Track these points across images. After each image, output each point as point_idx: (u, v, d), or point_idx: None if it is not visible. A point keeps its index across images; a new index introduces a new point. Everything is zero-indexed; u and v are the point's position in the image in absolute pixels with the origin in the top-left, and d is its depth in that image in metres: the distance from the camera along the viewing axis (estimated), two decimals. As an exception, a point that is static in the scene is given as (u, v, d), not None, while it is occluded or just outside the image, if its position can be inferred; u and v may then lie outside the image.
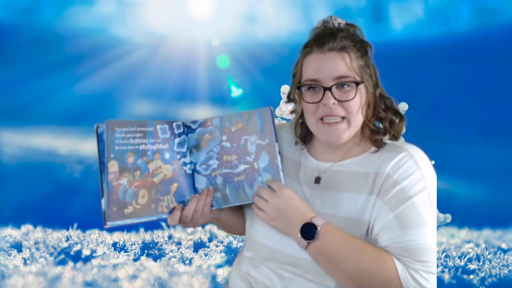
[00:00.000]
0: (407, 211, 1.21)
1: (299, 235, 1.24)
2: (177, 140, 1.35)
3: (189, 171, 1.35)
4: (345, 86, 1.27)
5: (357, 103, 1.27)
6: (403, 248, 1.20)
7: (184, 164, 1.35)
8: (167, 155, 1.32)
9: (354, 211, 1.25)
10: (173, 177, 1.32)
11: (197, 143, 1.37)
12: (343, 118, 1.28)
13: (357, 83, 1.27)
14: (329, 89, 1.27)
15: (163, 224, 3.38)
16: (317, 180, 1.34)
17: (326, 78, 1.27)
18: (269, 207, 1.28)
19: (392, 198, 1.22)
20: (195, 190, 1.34)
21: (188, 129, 1.38)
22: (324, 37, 1.29)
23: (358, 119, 1.29)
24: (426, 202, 1.22)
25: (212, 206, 1.34)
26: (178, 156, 1.34)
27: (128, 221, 1.25)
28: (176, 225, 1.32)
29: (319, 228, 1.23)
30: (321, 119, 1.29)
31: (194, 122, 1.39)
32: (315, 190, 1.33)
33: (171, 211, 1.31)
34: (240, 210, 1.47)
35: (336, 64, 1.27)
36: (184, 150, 1.36)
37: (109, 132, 1.27)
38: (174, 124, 1.36)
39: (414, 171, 1.23)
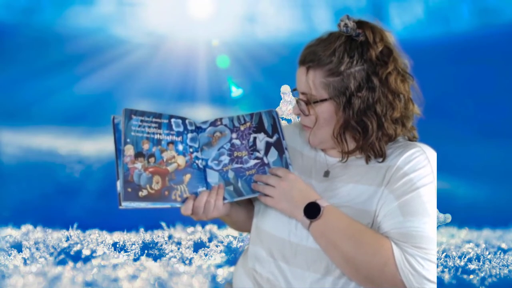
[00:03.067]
0: (411, 200, 1.23)
1: (303, 215, 1.27)
2: (189, 135, 1.39)
3: (201, 166, 1.38)
4: (304, 102, 1.32)
5: (312, 119, 1.32)
6: (403, 234, 1.22)
7: (197, 158, 1.38)
8: (180, 147, 1.35)
9: (361, 202, 1.28)
10: (186, 168, 1.34)
11: (208, 141, 1.41)
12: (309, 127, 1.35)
13: (306, 103, 1.31)
14: (297, 100, 1.34)
15: (163, 224, 3.38)
16: (326, 173, 1.37)
17: (298, 90, 1.35)
18: (276, 191, 1.31)
19: (399, 187, 1.24)
20: (207, 184, 1.36)
21: (198, 129, 1.42)
22: (302, 50, 1.34)
23: (323, 131, 1.33)
24: (431, 195, 1.25)
25: (225, 199, 1.35)
26: (191, 150, 1.37)
27: (142, 205, 1.26)
28: (189, 215, 1.32)
29: (322, 208, 1.26)
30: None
31: (204, 122, 1.44)
32: (324, 183, 1.35)
33: (184, 201, 1.32)
34: (249, 207, 1.49)
35: (299, 79, 1.33)
36: (196, 145, 1.39)
37: (126, 118, 1.30)
38: (187, 121, 1.40)
39: (424, 165, 1.26)
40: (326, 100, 1.29)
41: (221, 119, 1.44)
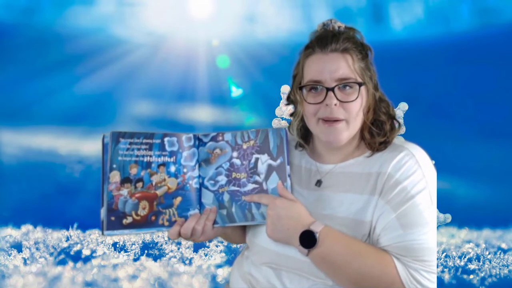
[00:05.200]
0: (408, 210, 1.21)
1: (299, 243, 1.23)
2: (185, 154, 1.33)
3: (195, 185, 1.33)
4: (347, 87, 1.28)
5: (358, 105, 1.28)
6: (404, 248, 1.20)
7: (191, 178, 1.33)
8: (172, 168, 1.32)
9: (355, 212, 1.25)
10: (177, 191, 1.31)
11: (207, 157, 1.35)
12: (343, 119, 1.29)
13: (360, 84, 1.28)
14: (332, 89, 1.27)
15: (163, 224, 3.37)
16: (318, 182, 1.34)
17: (329, 79, 1.27)
18: (268, 221, 1.27)
19: (394, 198, 1.22)
20: (201, 205, 1.33)
21: (199, 142, 1.36)
22: (327, 39, 1.30)
23: (357, 121, 1.30)
24: (427, 202, 1.23)
25: (216, 223, 1.32)
26: (185, 170, 1.33)
27: (126, 232, 1.25)
28: (176, 239, 1.31)
29: (317, 234, 1.21)
30: (322, 119, 1.30)
31: (205, 135, 1.37)
32: (316, 193, 1.33)
33: (172, 224, 1.30)
34: None
35: (339, 65, 1.28)
36: (192, 163, 1.34)
37: (113, 142, 1.27)
38: (184, 137, 1.34)
39: (415, 170, 1.24)
40: (364, 84, 1.30)
41: (223, 134, 1.36)
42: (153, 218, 1.28)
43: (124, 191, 1.26)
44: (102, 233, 1.24)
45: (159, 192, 1.30)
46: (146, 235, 3.24)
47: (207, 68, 6.07)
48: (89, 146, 5.15)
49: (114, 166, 1.26)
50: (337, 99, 1.27)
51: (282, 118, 1.58)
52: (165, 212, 1.30)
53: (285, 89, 1.53)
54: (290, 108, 1.51)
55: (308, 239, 1.22)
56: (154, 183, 1.29)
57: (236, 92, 5.74)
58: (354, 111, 1.28)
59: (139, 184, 1.28)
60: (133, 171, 1.28)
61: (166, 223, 1.29)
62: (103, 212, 1.25)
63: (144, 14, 6.29)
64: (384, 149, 1.32)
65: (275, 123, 1.52)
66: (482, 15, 6.28)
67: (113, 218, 1.24)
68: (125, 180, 1.27)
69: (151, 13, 6.26)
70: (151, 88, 5.90)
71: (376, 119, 1.34)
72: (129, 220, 1.26)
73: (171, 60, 6.02)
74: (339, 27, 1.34)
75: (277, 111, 1.57)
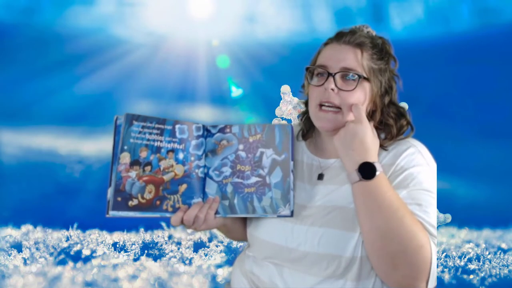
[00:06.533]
0: (417, 191, 1.25)
1: (354, 169, 1.24)
2: (194, 142, 1.36)
3: (201, 175, 1.35)
4: (349, 77, 1.32)
5: (355, 96, 1.31)
6: (423, 221, 1.23)
7: (197, 167, 1.35)
8: (181, 155, 1.34)
9: None
10: (183, 178, 1.33)
11: (213, 148, 1.37)
12: (339, 109, 1.32)
13: (360, 77, 1.31)
14: (333, 75, 1.32)
15: (163, 224, 3.38)
16: (320, 176, 1.36)
17: (334, 66, 1.33)
18: (342, 130, 1.29)
19: (402, 181, 1.26)
20: (204, 194, 1.35)
21: (207, 132, 1.38)
22: (345, 32, 1.37)
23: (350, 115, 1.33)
24: (433, 189, 1.27)
25: (218, 213, 1.33)
26: (192, 158, 1.35)
27: (131, 214, 1.26)
28: (178, 226, 1.32)
29: (378, 172, 1.23)
30: (320, 106, 1.34)
31: (214, 126, 1.40)
32: (318, 186, 1.34)
33: (176, 211, 1.31)
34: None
35: (347, 56, 1.33)
36: (199, 153, 1.36)
37: (126, 124, 1.29)
38: (194, 126, 1.37)
39: (422, 163, 1.28)
40: (367, 80, 1.33)
41: (231, 126, 1.39)
42: (157, 202, 1.29)
43: (133, 173, 1.27)
44: (107, 213, 1.25)
45: (166, 177, 1.31)
46: (146, 235, 3.24)
47: (207, 68, 6.07)
48: (89, 146, 5.15)
49: (125, 147, 1.28)
50: (336, 85, 1.31)
51: (282, 118, 1.58)
52: (170, 197, 1.31)
53: (285, 89, 1.54)
54: (290, 107, 1.52)
55: (366, 171, 1.23)
56: (162, 168, 1.31)
57: (236, 92, 5.74)
58: (349, 102, 1.31)
59: (148, 168, 1.29)
60: (143, 154, 1.30)
61: (170, 209, 1.31)
62: (110, 192, 1.25)
63: (144, 14, 6.29)
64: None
65: (275, 123, 1.53)
66: (482, 15, 6.28)
67: (119, 199, 1.25)
68: (135, 162, 1.28)
69: (151, 13, 6.27)
70: (151, 88, 5.90)
71: (383, 121, 1.37)
72: (134, 202, 1.26)
73: (171, 60, 6.03)
74: (368, 32, 1.39)
75: (277, 111, 1.57)
